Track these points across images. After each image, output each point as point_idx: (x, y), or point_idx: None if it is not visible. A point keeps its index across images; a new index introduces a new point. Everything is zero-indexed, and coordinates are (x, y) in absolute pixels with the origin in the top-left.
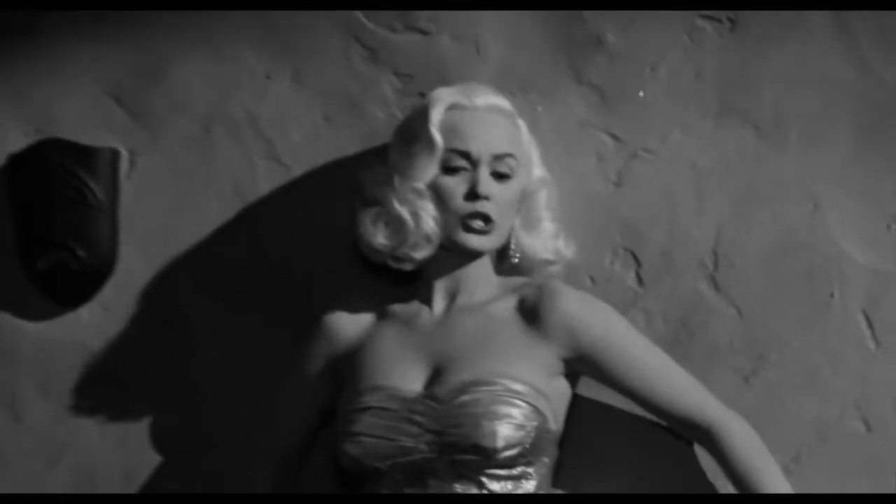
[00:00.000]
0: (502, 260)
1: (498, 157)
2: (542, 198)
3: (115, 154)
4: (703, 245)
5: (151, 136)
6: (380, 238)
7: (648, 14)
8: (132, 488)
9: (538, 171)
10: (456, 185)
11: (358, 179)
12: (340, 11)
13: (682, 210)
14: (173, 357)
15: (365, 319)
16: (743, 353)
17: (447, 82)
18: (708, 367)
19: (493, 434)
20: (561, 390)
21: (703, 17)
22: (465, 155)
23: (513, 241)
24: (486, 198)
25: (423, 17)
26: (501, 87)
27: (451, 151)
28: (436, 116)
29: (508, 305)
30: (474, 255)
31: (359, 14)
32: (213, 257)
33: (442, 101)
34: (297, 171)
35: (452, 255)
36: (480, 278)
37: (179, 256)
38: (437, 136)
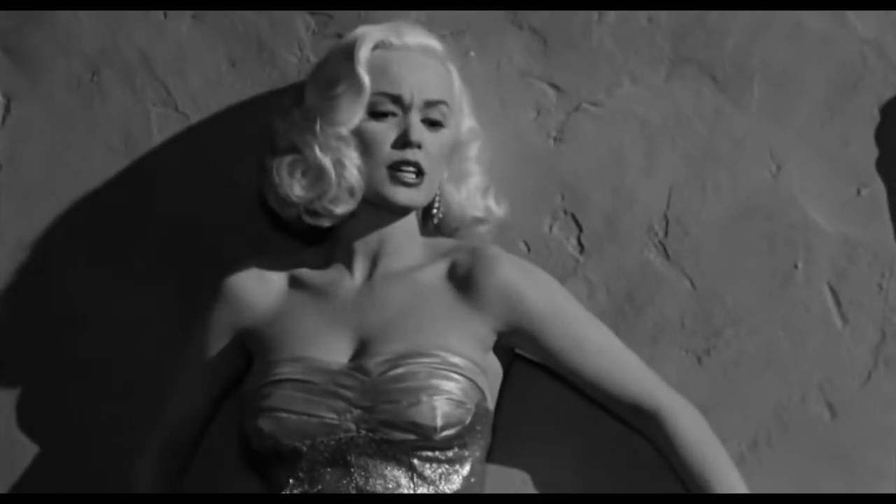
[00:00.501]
0: (426, 219)
1: (430, 104)
2: (473, 150)
3: None
4: (652, 209)
5: (30, 78)
6: (296, 189)
7: None
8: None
9: (469, 121)
10: (384, 131)
11: (269, 124)
12: None
13: (629, 170)
14: (57, 331)
15: (275, 284)
16: (696, 331)
17: (369, 24)
18: (656, 346)
19: (433, 411)
20: (494, 367)
21: None
22: (396, 99)
23: (437, 196)
24: (418, 146)
25: None
26: (431, 30)
27: (380, 95)
28: (363, 55)
29: (438, 272)
30: (402, 210)
31: None
32: (101, 217)
33: (369, 38)
34: (197, 119)
35: (375, 212)
36: (405, 240)
37: (62, 215)
38: (365, 77)
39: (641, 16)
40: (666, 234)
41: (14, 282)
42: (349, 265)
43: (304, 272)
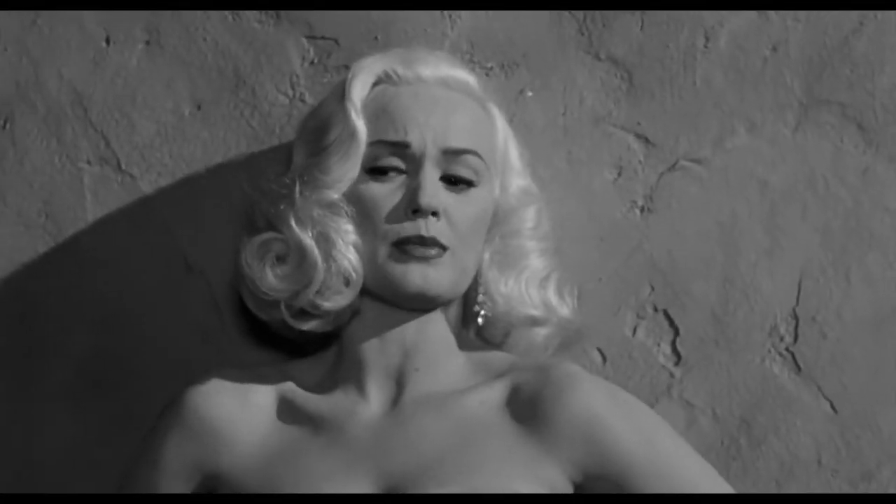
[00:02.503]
0: (466, 320)
1: (451, 154)
2: (527, 221)
3: None
4: (776, 304)
5: None
6: (270, 279)
7: None
8: None
9: (521, 180)
10: (387, 195)
11: (245, 194)
12: None
13: (745, 251)
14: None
15: (260, 411)
16: (838, 471)
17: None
18: (784, 492)
19: None
20: None
21: None
22: (401, 148)
23: (480, 286)
24: (433, 213)
25: None
26: (475, 60)
27: (379, 144)
28: (356, 91)
29: (493, 398)
30: (419, 301)
31: None
32: (9, 315)
33: (367, 69)
34: (147, 183)
35: (386, 310)
36: (439, 348)
37: None
38: (357, 120)
39: (763, 43)
40: (795, 338)
41: None
42: (361, 386)
43: (301, 396)
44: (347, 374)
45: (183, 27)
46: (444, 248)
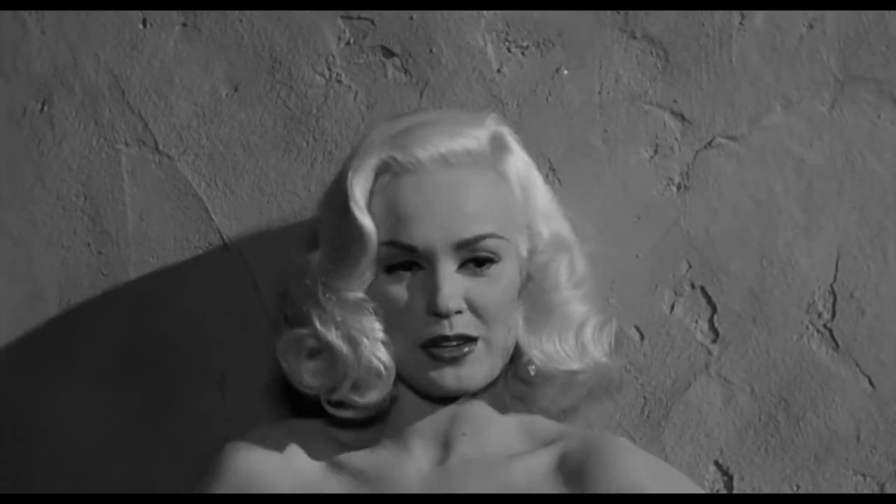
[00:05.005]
0: (516, 375)
1: (465, 245)
2: (561, 273)
3: None
4: (814, 281)
5: None
6: (304, 375)
7: None
8: None
9: (549, 226)
10: (407, 295)
11: (286, 275)
12: None
13: (782, 227)
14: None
15: (299, 463)
16: (876, 447)
17: (425, 33)
18: (822, 468)
19: None
20: None
21: None
22: (410, 251)
23: (521, 346)
24: (457, 311)
25: None
26: (510, 39)
27: (390, 245)
28: (359, 190)
29: (542, 464)
30: (458, 395)
31: None
32: (48, 299)
33: (366, 159)
34: (185, 164)
35: (423, 399)
36: (485, 414)
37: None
38: (365, 221)
39: (799, 20)
40: (833, 315)
41: None
42: (406, 446)
43: (344, 452)
44: (393, 434)
45: (219, 9)
46: (473, 339)
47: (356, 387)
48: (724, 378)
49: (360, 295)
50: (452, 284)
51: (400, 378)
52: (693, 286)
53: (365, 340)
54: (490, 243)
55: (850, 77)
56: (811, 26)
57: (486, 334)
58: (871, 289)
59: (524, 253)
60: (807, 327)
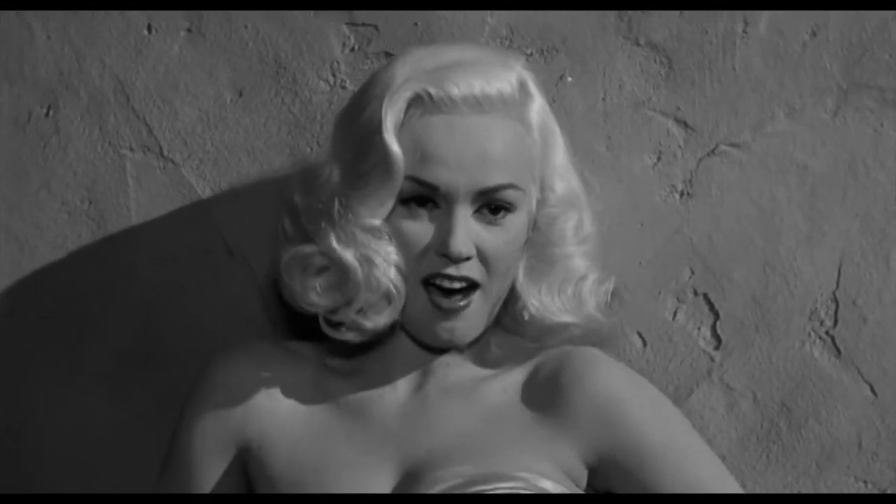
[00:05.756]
0: (504, 314)
1: (486, 193)
2: (568, 229)
3: None
4: (816, 288)
5: None
6: (310, 293)
7: None
8: None
9: (562, 183)
10: (420, 230)
11: (286, 189)
12: None
13: (785, 235)
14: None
15: (287, 382)
16: (878, 455)
17: (429, 38)
18: (823, 476)
19: None
20: None
21: None
22: (432, 189)
23: (518, 292)
24: (466, 258)
25: None
26: (514, 45)
27: (412, 181)
28: (390, 120)
29: (514, 382)
30: (448, 347)
31: None
32: (55, 300)
33: (400, 92)
34: (189, 170)
35: (416, 342)
36: (470, 348)
37: (4, 295)
38: (395, 152)
39: (802, 27)
40: (835, 322)
41: None
42: (390, 376)
43: (331, 378)
44: (378, 365)
45: (224, 15)
46: (474, 285)
47: (363, 309)
48: (727, 385)
49: (378, 222)
50: (467, 229)
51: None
52: (696, 293)
53: (382, 262)
54: (509, 194)
55: (854, 84)
56: (814, 33)
57: (486, 283)
58: (874, 296)
59: (535, 204)
60: (809, 334)
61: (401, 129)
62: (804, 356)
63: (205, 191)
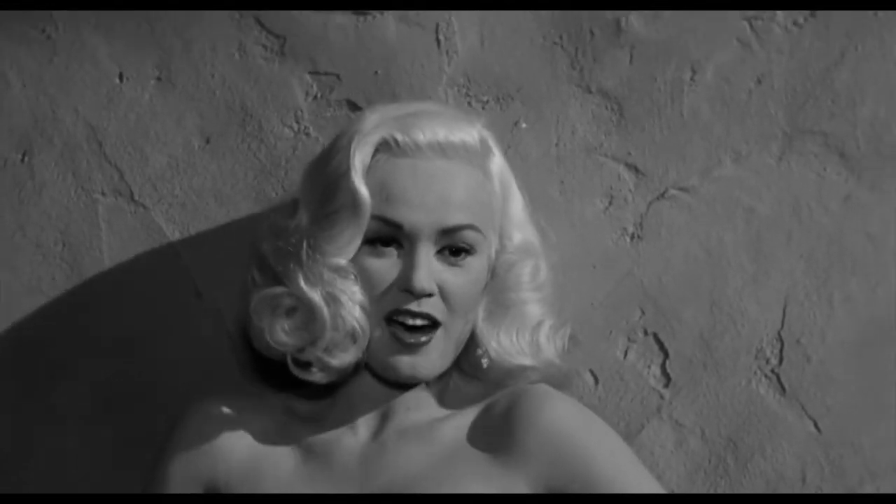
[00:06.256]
0: (466, 361)
1: (448, 231)
2: (524, 275)
3: None
4: (762, 328)
5: None
6: (278, 332)
7: None
8: None
9: (520, 233)
10: (383, 269)
11: (255, 238)
12: None
13: (732, 276)
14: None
15: (257, 432)
16: (823, 489)
17: (389, 87)
18: None
19: None
20: None
21: None
22: (396, 228)
23: (478, 337)
24: (428, 294)
25: None
26: (471, 93)
27: (377, 220)
28: (359, 160)
29: (465, 422)
30: (409, 382)
31: None
32: (29, 342)
33: (368, 137)
34: (159, 213)
35: (380, 380)
36: (429, 392)
37: None
38: (362, 191)
39: (748, 75)
40: (780, 360)
41: None
42: (352, 420)
43: (295, 424)
44: (341, 409)
45: (192, 64)
46: (436, 323)
47: (328, 348)
48: (676, 421)
49: (344, 262)
50: (429, 268)
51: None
52: (646, 332)
53: (348, 301)
54: (469, 235)
55: (798, 130)
56: (759, 81)
57: (448, 322)
58: (818, 335)
59: (493, 251)
60: (755, 372)
61: (368, 171)
62: (750, 393)
63: (174, 234)
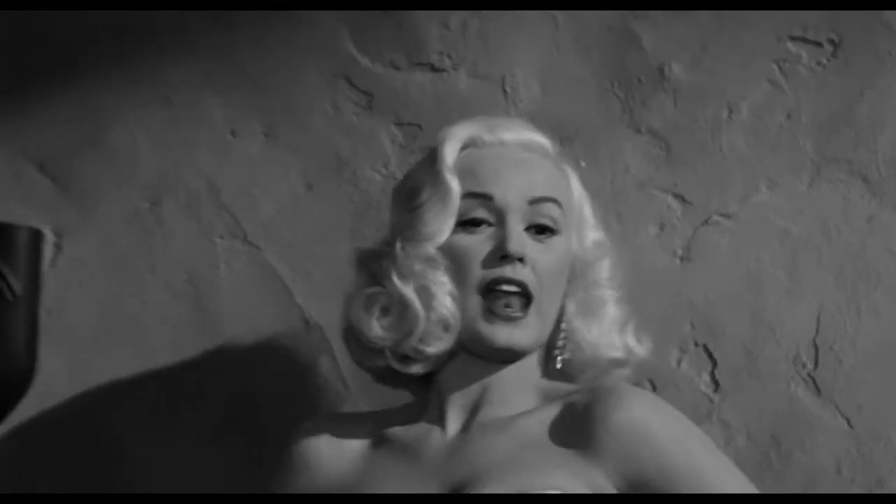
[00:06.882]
0: (548, 360)
1: (535, 202)
2: (603, 272)
3: (36, 235)
4: (799, 337)
5: (83, 211)
6: (376, 329)
7: (725, 39)
8: None
9: (594, 234)
10: (476, 245)
11: (353, 257)
12: (326, 45)
13: (770, 291)
14: (106, 491)
15: (354, 446)
16: (855, 479)
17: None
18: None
19: None
20: None
21: (797, 39)
22: (487, 200)
23: (563, 334)
24: (520, 259)
25: (433, 50)
26: None
27: (469, 197)
28: (448, 154)
29: (549, 416)
30: (504, 356)
31: (350, 47)
32: (160, 366)
33: (455, 135)
34: (270, 253)
35: (474, 360)
36: (516, 386)
37: (115, 366)
38: (451, 178)
39: (778, 112)
40: (816, 365)
41: (59, 437)
42: (442, 419)
43: (390, 429)
44: (433, 409)
45: (293, 121)
46: (530, 297)
47: (422, 338)
48: (724, 422)
49: (433, 251)
50: (520, 236)
51: (459, 345)
52: (696, 344)
53: (437, 290)
54: (554, 209)
55: (825, 159)
56: (789, 117)
57: (539, 298)
58: (848, 342)
59: (574, 243)
60: (793, 377)
61: (455, 165)
62: (790, 396)
63: (284, 270)
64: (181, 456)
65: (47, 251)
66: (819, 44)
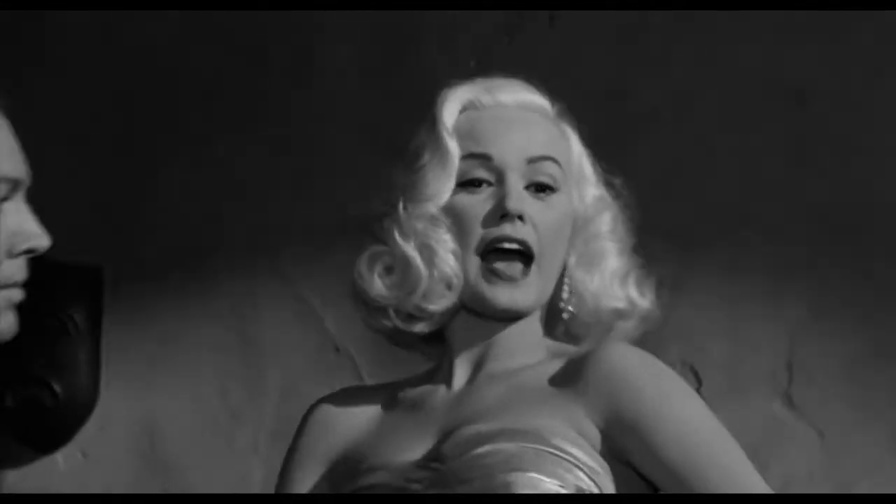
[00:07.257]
0: (554, 318)
1: (533, 161)
2: (604, 224)
3: (97, 273)
4: (774, 356)
5: (139, 251)
6: (379, 287)
7: None
8: None
9: (595, 190)
10: (477, 205)
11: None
12: None
13: (749, 316)
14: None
15: (369, 409)
16: (826, 484)
17: None
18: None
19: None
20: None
21: None
22: (485, 160)
23: (567, 287)
24: (519, 216)
25: None
26: None
27: (468, 158)
28: (447, 117)
29: (552, 369)
30: (505, 316)
31: None
32: (211, 394)
33: (454, 98)
34: (305, 287)
35: (477, 320)
36: (520, 341)
37: (171, 393)
38: (449, 139)
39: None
40: (790, 382)
41: (119, 461)
42: (450, 375)
43: (402, 392)
44: (441, 368)
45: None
46: (531, 255)
47: (425, 296)
48: None
49: (435, 210)
50: (520, 194)
51: (462, 306)
52: (683, 363)
53: (440, 249)
54: (552, 167)
55: None
56: None
57: (540, 256)
58: (821, 363)
59: (574, 200)
60: (770, 394)
61: (454, 127)
62: (768, 411)
63: (317, 303)
64: (233, 473)
65: (107, 287)
66: None
